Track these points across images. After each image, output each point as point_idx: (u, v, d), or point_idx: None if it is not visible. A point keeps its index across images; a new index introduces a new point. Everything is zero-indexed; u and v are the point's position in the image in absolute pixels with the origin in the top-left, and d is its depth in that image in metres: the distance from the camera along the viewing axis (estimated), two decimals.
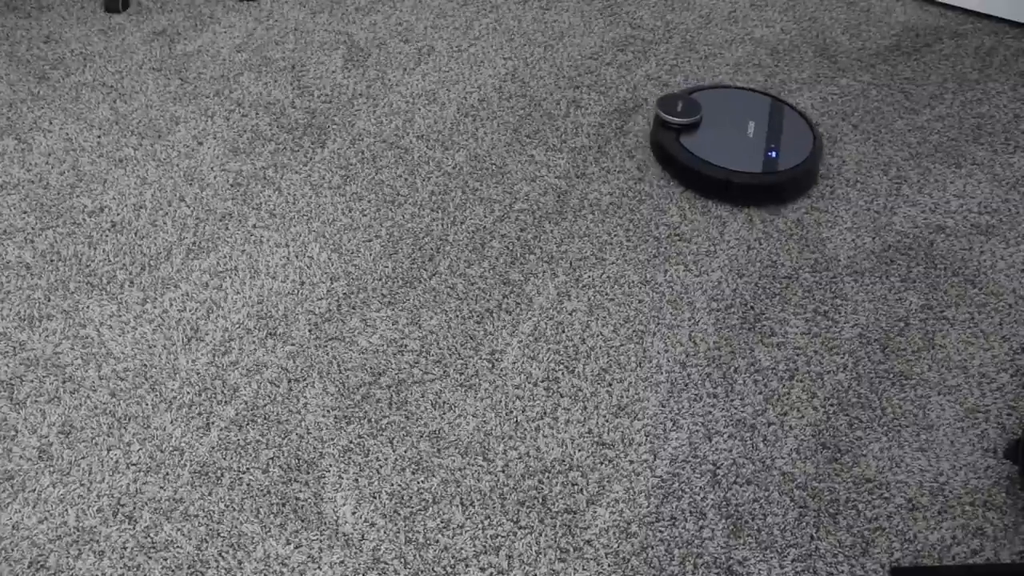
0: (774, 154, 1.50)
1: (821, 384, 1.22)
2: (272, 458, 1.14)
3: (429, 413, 1.19)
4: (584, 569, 1.03)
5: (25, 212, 1.46)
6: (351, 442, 1.15)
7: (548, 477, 1.12)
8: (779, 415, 1.18)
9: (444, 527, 1.07)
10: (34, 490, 1.10)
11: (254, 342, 1.27)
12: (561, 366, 1.24)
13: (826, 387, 1.22)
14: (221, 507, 1.09)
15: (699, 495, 1.10)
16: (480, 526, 1.07)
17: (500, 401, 1.20)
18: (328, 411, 1.19)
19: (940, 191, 1.50)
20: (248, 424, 1.17)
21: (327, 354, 1.25)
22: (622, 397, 1.20)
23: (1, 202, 1.47)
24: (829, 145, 1.59)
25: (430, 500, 1.10)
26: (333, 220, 1.45)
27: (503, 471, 1.12)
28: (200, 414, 1.18)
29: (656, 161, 1.55)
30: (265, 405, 1.19)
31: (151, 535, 1.06)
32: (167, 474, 1.12)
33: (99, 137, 1.60)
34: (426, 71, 1.75)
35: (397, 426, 1.17)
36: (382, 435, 1.16)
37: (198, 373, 1.23)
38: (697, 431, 1.16)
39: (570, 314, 1.30)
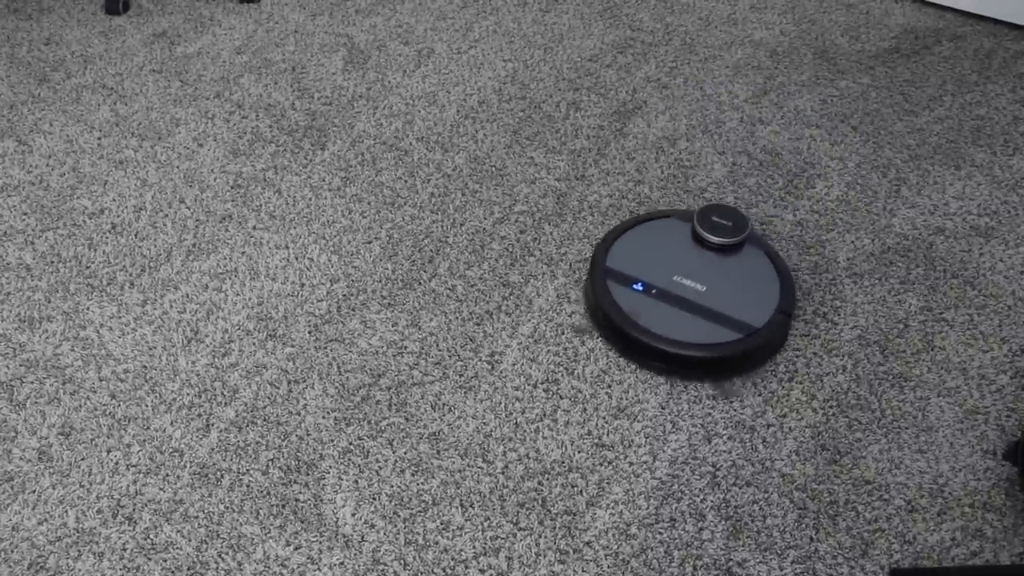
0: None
1: (820, 386, 1.22)
2: (272, 459, 1.14)
3: (429, 415, 1.19)
4: (584, 571, 1.03)
5: (25, 214, 1.46)
6: (351, 443, 1.15)
7: (548, 479, 1.12)
8: (778, 417, 1.18)
9: (444, 529, 1.07)
10: (34, 491, 1.10)
11: (254, 344, 1.27)
12: (561, 368, 1.24)
13: (825, 389, 1.22)
14: (221, 508, 1.09)
15: (699, 497, 1.10)
16: (480, 528, 1.07)
17: (500, 403, 1.20)
18: (328, 413, 1.19)
19: (939, 193, 1.50)
20: (248, 426, 1.17)
21: (327, 356, 1.25)
22: (621, 399, 1.20)
23: (1, 203, 1.47)
24: (829, 147, 1.59)
25: (430, 502, 1.10)
26: (333, 222, 1.45)
27: (503, 473, 1.12)
28: (200, 415, 1.18)
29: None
30: (265, 407, 1.19)
31: (151, 536, 1.06)
32: (167, 475, 1.12)
33: (99, 139, 1.60)
34: (426, 73, 1.76)
35: (397, 428, 1.17)
36: (382, 437, 1.16)
37: (198, 375, 1.23)
38: (696, 433, 1.17)
39: (570, 316, 1.31)
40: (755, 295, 1.25)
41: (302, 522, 1.08)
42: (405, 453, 1.14)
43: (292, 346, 1.27)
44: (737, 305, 1.24)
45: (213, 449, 1.15)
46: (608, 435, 1.16)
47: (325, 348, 1.26)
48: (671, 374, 1.22)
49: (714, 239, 1.31)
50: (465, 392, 1.21)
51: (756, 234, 1.35)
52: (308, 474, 1.12)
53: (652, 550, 1.05)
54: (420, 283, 1.35)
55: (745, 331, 1.21)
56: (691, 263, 1.30)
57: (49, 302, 1.32)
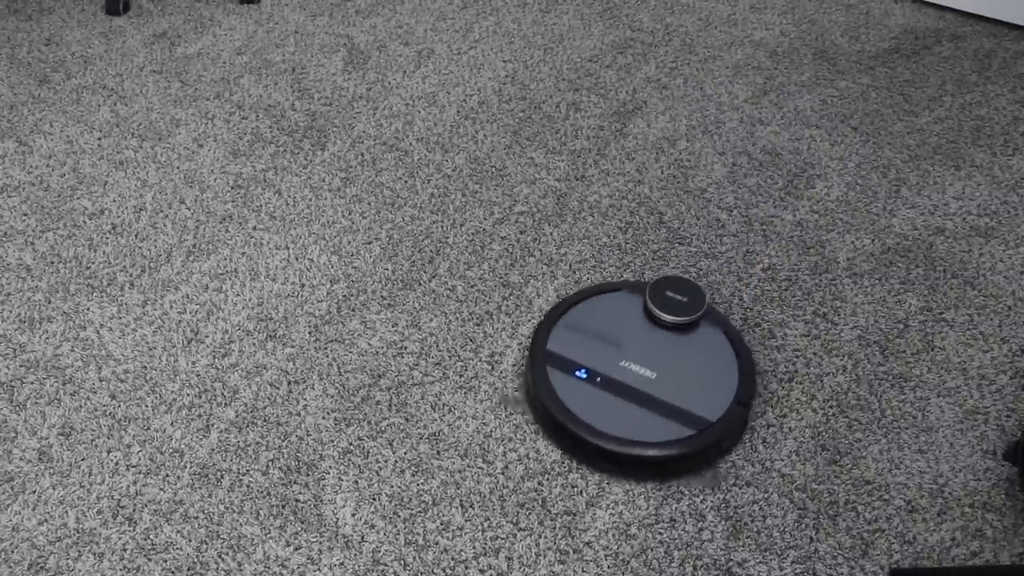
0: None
1: (820, 386, 1.22)
2: (272, 460, 1.14)
3: (429, 415, 1.19)
4: (584, 571, 1.03)
5: (26, 214, 1.46)
6: (351, 444, 1.15)
7: (548, 479, 1.12)
8: (778, 417, 1.18)
9: (444, 529, 1.07)
10: (34, 492, 1.11)
11: (254, 344, 1.27)
12: None
13: (825, 389, 1.22)
14: (221, 509, 1.09)
15: (698, 497, 1.10)
16: (480, 528, 1.07)
17: (500, 403, 1.20)
18: (328, 413, 1.19)
19: (939, 193, 1.50)
20: (248, 426, 1.17)
21: (327, 356, 1.25)
22: None
23: (2, 204, 1.48)
24: (829, 147, 1.59)
25: (430, 502, 1.10)
26: (333, 222, 1.45)
27: (503, 473, 1.12)
28: (200, 416, 1.18)
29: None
30: (265, 407, 1.19)
31: (151, 537, 1.06)
32: (167, 476, 1.12)
33: (99, 140, 1.60)
34: (426, 74, 1.76)
35: (397, 428, 1.17)
36: (382, 437, 1.16)
37: (198, 375, 1.23)
38: None
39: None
40: (711, 382, 1.14)
41: (302, 522, 1.08)
42: (405, 453, 1.15)
43: (292, 346, 1.27)
44: (690, 395, 1.12)
45: (213, 449, 1.15)
46: None
47: (325, 348, 1.26)
48: (616, 474, 1.11)
49: (667, 317, 1.19)
50: (465, 392, 1.21)
51: (714, 310, 1.24)
52: (308, 474, 1.12)
53: (652, 550, 1.05)
54: (420, 283, 1.35)
55: (697, 426, 1.09)
56: (641, 345, 1.18)
57: (49, 303, 1.32)
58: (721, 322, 1.21)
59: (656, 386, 1.14)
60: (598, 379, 1.14)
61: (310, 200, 1.49)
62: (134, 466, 1.13)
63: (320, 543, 1.06)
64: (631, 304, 1.23)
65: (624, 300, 1.24)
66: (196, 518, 1.08)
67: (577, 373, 1.15)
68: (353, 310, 1.32)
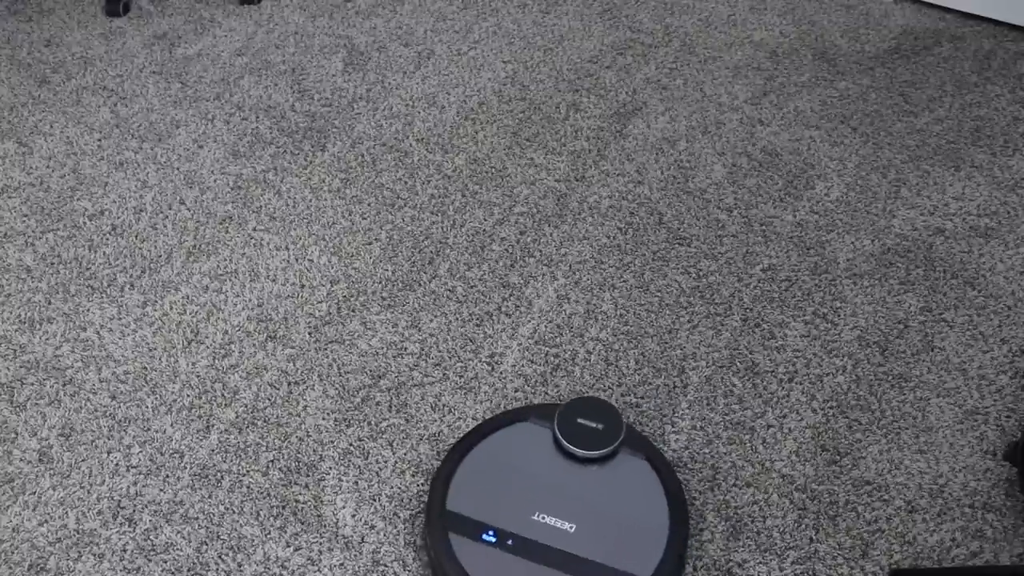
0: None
1: (820, 386, 1.22)
2: (272, 461, 1.14)
3: (429, 416, 1.19)
4: None
5: (26, 215, 1.46)
6: (351, 445, 1.15)
7: None
8: (778, 417, 1.18)
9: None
10: (34, 493, 1.11)
11: (254, 345, 1.27)
12: (560, 369, 1.24)
13: (825, 389, 1.22)
14: (221, 510, 1.09)
15: (698, 498, 1.10)
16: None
17: (500, 404, 1.20)
18: (328, 414, 1.19)
19: (939, 194, 1.50)
20: (248, 427, 1.17)
21: (327, 357, 1.25)
22: (621, 401, 1.20)
23: (2, 205, 1.48)
24: (828, 148, 1.59)
25: None
26: (333, 223, 1.45)
27: None
28: (200, 417, 1.18)
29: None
30: (265, 408, 1.20)
31: (151, 538, 1.06)
32: (167, 477, 1.12)
33: (99, 140, 1.60)
34: (426, 75, 1.76)
35: (397, 429, 1.17)
36: (382, 438, 1.16)
37: (198, 376, 1.23)
38: (696, 434, 1.17)
39: (569, 317, 1.31)
40: (638, 529, 0.99)
41: (302, 523, 1.08)
42: (405, 454, 1.15)
43: (292, 347, 1.27)
44: (616, 549, 0.97)
45: (213, 450, 1.15)
46: None
47: (325, 349, 1.26)
48: None
49: (579, 452, 1.04)
50: (465, 393, 1.21)
51: (634, 434, 1.08)
52: (308, 475, 1.12)
53: None
54: (420, 284, 1.36)
55: None
56: (555, 490, 1.02)
57: (49, 303, 1.32)
58: (643, 448, 1.06)
59: (576, 542, 0.98)
60: (509, 541, 0.98)
61: (310, 201, 1.49)
62: (134, 467, 1.13)
63: (320, 544, 1.06)
64: (540, 437, 1.07)
65: (531, 433, 1.07)
66: (196, 519, 1.08)
67: (484, 536, 0.98)
68: (353, 311, 1.32)
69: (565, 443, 1.05)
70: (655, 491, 1.02)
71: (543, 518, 1.00)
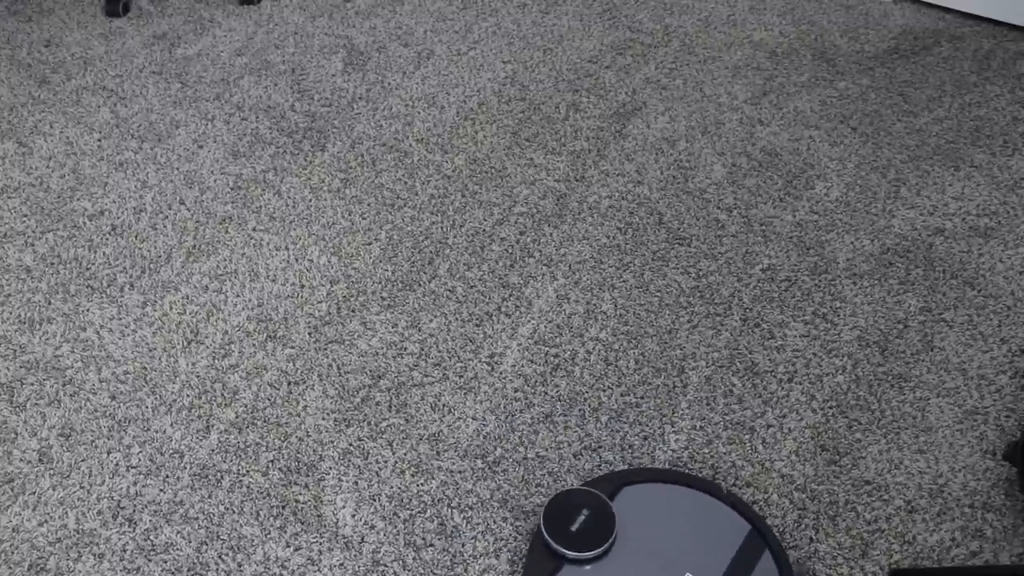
0: None
1: (820, 386, 1.22)
2: (272, 461, 1.14)
3: (428, 416, 1.19)
4: None
5: (26, 215, 1.46)
6: (351, 445, 1.15)
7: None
8: (778, 417, 1.18)
9: (444, 529, 1.07)
10: (34, 493, 1.11)
11: (254, 345, 1.27)
12: (560, 369, 1.24)
13: (825, 389, 1.22)
14: (221, 510, 1.09)
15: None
16: (479, 529, 1.07)
17: (499, 404, 1.20)
18: (328, 414, 1.19)
19: (939, 194, 1.50)
20: (248, 427, 1.17)
21: (327, 357, 1.25)
22: (621, 401, 1.20)
23: (2, 205, 1.48)
24: (828, 148, 1.59)
25: (429, 503, 1.10)
26: (333, 223, 1.45)
27: (503, 474, 1.12)
28: (200, 417, 1.18)
29: None
30: (265, 408, 1.20)
31: (151, 538, 1.06)
32: (167, 477, 1.12)
33: (99, 141, 1.60)
34: (426, 75, 1.76)
35: (396, 428, 1.17)
36: (382, 438, 1.16)
37: (198, 376, 1.23)
38: (696, 434, 1.17)
39: (569, 317, 1.31)
40: None
41: (302, 523, 1.08)
42: (405, 454, 1.15)
43: (292, 347, 1.27)
44: None
45: (213, 450, 1.15)
46: (607, 437, 1.16)
47: (325, 349, 1.26)
48: None
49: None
50: (465, 393, 1.21)
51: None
52: (308, 475, 1.12)
53: None
54: (420, 284, 1.36)
55: None
56: None
57: (49, 304, 1.32)
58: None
59: None
60: None
61: (310, 201, 1.49)
62: (134, 467, 1.13)
63: (320, 544, 1.06)
64: None
65: None
66: (196, 519, 1.08)
67: None
68: (353, 311, 1.32)
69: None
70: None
71: None
